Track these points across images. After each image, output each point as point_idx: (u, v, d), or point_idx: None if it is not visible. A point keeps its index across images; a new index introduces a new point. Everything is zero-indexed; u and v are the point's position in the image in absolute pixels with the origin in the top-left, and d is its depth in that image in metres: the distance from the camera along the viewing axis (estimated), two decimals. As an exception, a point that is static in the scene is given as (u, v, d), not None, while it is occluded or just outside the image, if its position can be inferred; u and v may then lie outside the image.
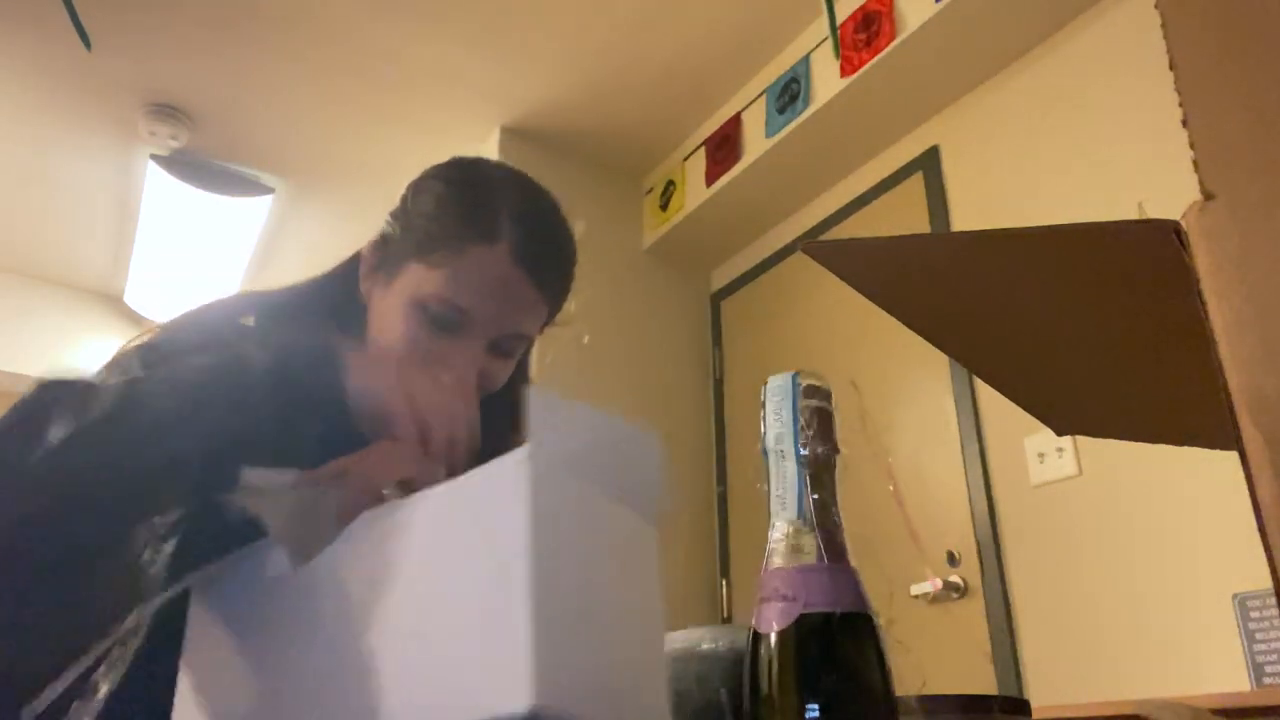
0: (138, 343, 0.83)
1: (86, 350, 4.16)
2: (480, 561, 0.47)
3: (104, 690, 0.77)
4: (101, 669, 0.77)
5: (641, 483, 0.52)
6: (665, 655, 0.51)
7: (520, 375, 0.99)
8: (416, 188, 0.91)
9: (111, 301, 4.25)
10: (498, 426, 0.83)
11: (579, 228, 0.93)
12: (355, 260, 0.94)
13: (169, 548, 0.80)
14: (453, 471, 0.65)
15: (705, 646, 0.87)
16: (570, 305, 0.95)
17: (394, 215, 0.91)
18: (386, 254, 0.89)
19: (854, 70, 2.53)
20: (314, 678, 0.55)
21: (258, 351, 0.82)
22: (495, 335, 0.86)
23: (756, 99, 2.93)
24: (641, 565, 0.50)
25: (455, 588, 0.48)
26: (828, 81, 2.64)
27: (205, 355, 0.80)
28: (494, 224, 0.85)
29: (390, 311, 0.86)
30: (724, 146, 3.02)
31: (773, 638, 0.45)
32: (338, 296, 0.93)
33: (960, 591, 2.27)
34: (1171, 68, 0.40)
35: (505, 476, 0.47)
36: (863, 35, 2.51)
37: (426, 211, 0.88)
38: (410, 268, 0.85)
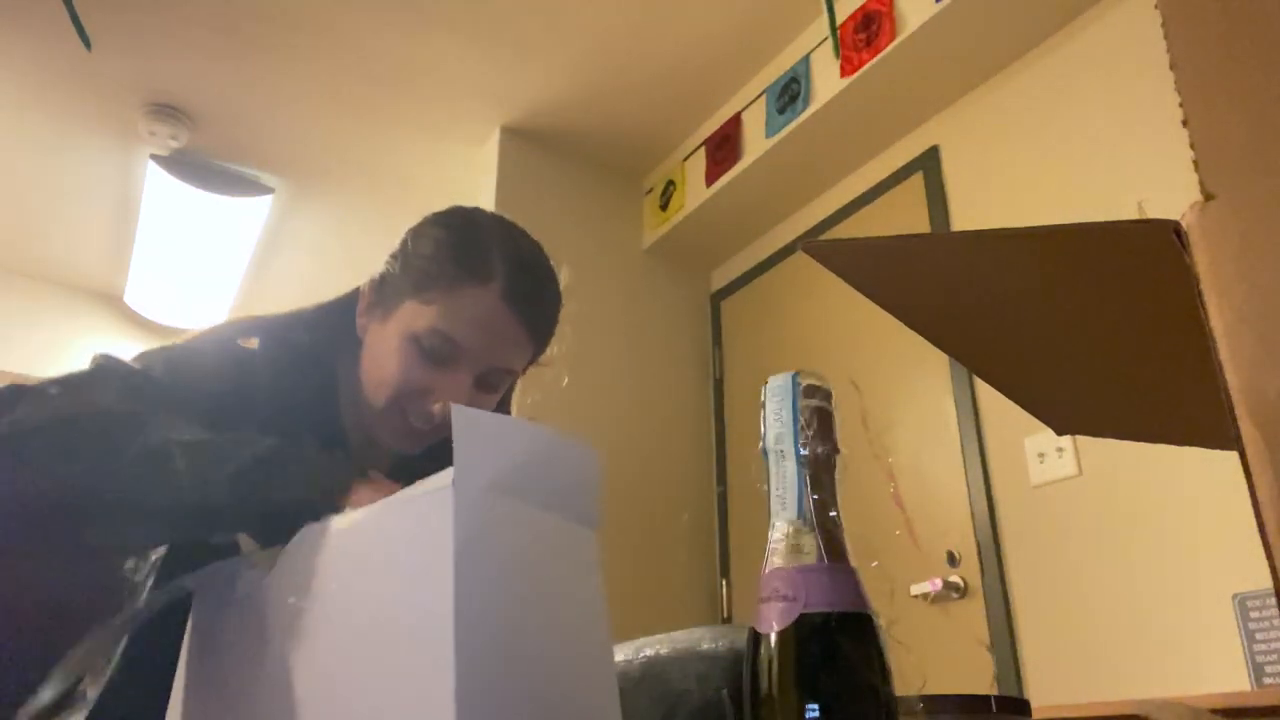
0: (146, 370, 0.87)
1: (86, 350, 4.16)
2: (406, 595, 0.46)
3: (92, 695, 0.78)
4: (88, 676, 0.78)
5: (578, 493, 0.52)
6: (612, 659, 0.51)
7: (504, 408, 1.04)
8: (416, 232, 0.97)
9: (111, 301, 4.25)
10: None
11: (564, 276, 0.99)
12: (354, 294, 0.99)
13: (154, 557, 0.81)
14: None
15: (705, 646, 0.87)
16: (553, 348, 1.01)
17: (393, 256, 0.96)
18: (384, 292, 0.95)
19: (854, 70, 2.53)
20: (263, 701, 0.55)
21: (262, 381, 0.86)
22: (482, 369, 0.92)
23: (756, 99, 2.93)
24: (582, 575, 0.50)
25: (384, 622, 0.48)
26: (828, 81, 2.64)
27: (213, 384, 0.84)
28: (487, 265, 0.92)
29: (385, 345, 0.92)
30: (724, 146, 3.02)
31: (773, 638, 0.45)
32: (337, 326, 0.99)
33: (960, 591, 2.27)
34: (1171, 68, 0.40)
35: (429, 504, 0.46)
36: (863, 35, 2.51)
37: (424, 253, 0.94)
38: (406, 305, 0.92)
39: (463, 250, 0.93)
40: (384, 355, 0.92)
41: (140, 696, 0.72)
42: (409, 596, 0.46)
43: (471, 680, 0.41)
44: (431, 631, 0.42)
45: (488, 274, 0.91)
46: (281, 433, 0.86)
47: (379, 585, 0.49)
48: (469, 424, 0.47)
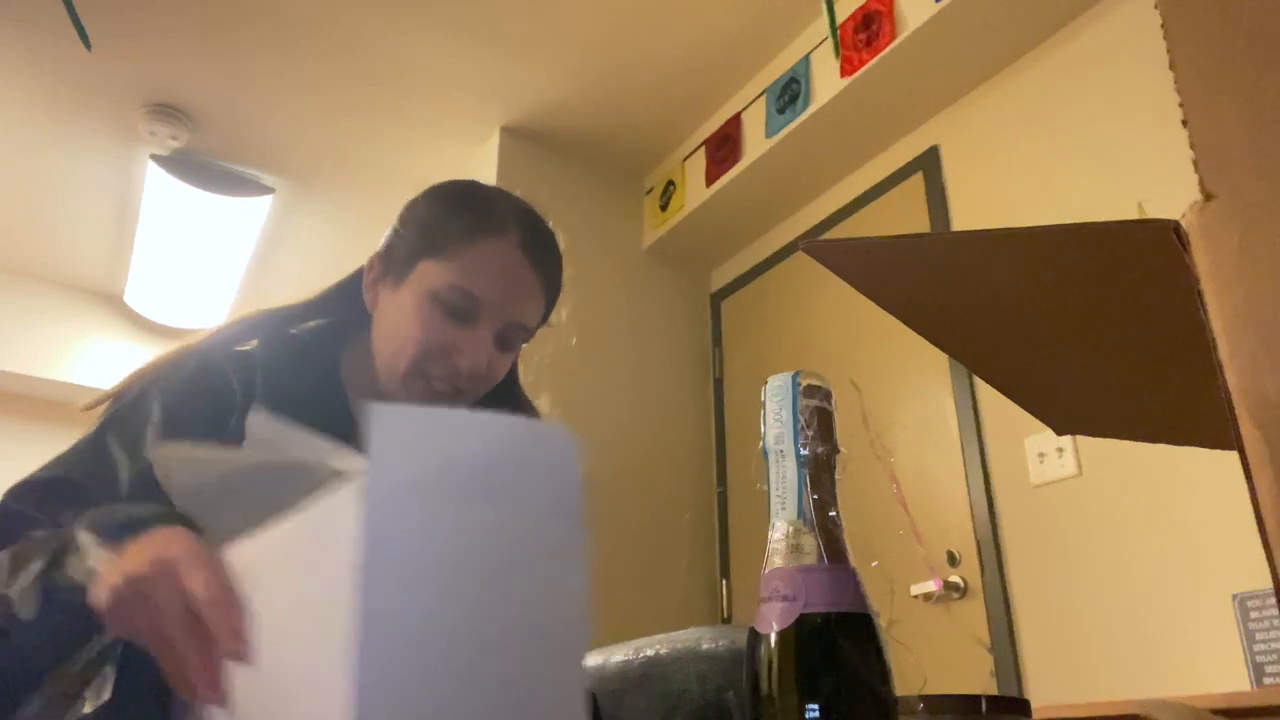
0: (114, 405, 0.87)
1: (86, 350, 4.17)
2: (312, 607, 0.44)
3: (90, 706, 0.77)
4: (87, 689, 0.78)
5: (548, 484, 0.46)
6: (585, 672, 0.48)
7: (514, 373, 1.03)
8: (425, 196, 0.97)
9: (111, 301, 4.25)
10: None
11: (561, 241, 1.00)
12: (356, 275, 0.99)
13: None
14: None
15: (705, 646, 0.88)
16: (559, 311, 1.02)
17: (400, 224, 0.96)
18: (392, 260, 0.94)
19: (854, 70, 2.53)
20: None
21: (257, 382, 0.87)
22: (502, 324, 0.92)
23: (756, 99, 2.93)
24: (548, 577, 0.45)
25: (291, 634, 0.45)
26: (828, 81, 2.64)
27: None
28: (502, 219, 0.93)
29: (403, 307, 0.91)
30: (724, 146, 3.02)
31: (773, 638, 0.45)
32: (339, 311, 0.98)
33: (960, 591, 2.27)
34: (1171, 68, 0.40)
35: (336, 511, 0.43)
36: (863, 35, 2.51)
37: (437, 213, 0.94)
38: (421, 265, 0.91)
39: (475, 205, 0.94)
40: (401, 319, 0.91)
41: (140, 702, 0.72)
42: (318, 601, 0.43)
43: (374, 687, 0.38)
44: (335, 637, 0.39)
45: (503, 226, 0.92)
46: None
47: (292, 594, 0.47)
48: (387, 421, 0.43)
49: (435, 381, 0.90)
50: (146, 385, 0.87)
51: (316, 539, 0.46)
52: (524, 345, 1.03)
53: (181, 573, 0.51)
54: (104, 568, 0.58)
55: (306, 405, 0.90)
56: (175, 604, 0.51)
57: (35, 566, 0.67)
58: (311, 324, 0.97)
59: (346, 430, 0.93)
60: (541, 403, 1.10)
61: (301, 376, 0.92)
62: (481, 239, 0.91)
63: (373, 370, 0.94)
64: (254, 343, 0.93)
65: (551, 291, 0.97)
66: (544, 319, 0.99)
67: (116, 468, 0.81)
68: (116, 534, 0.62)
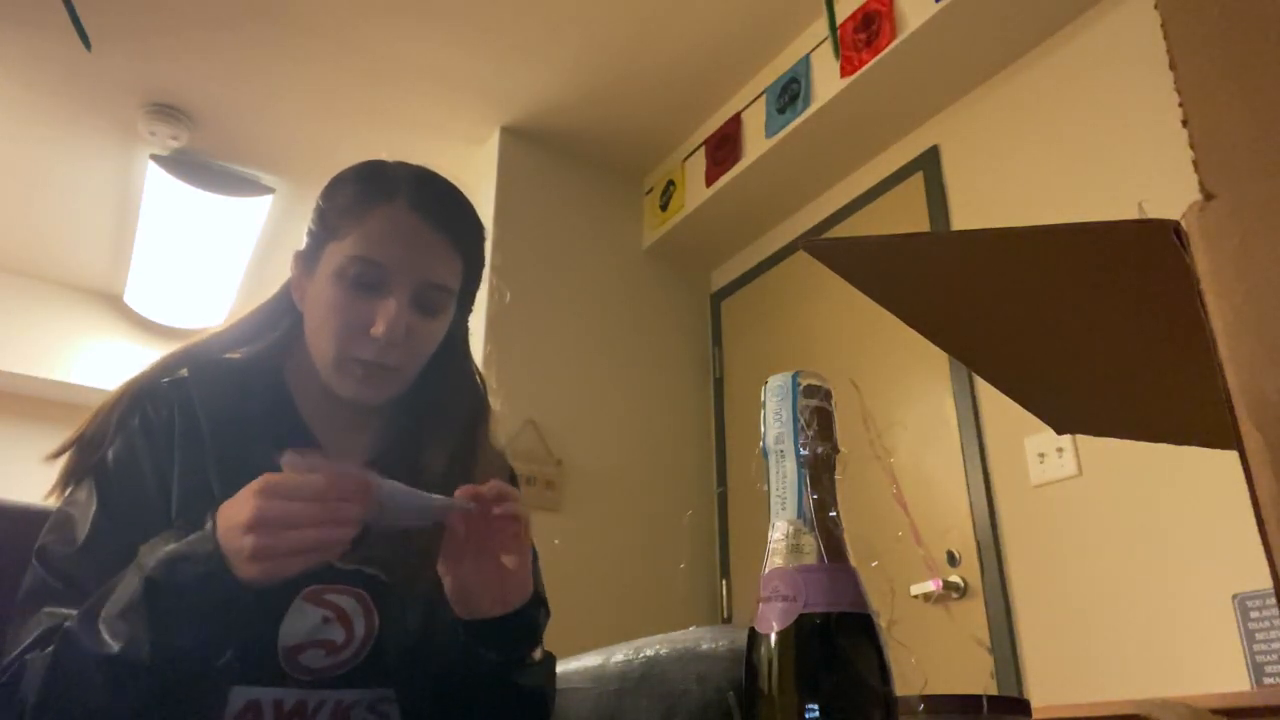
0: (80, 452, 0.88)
1: (86, 350, 4.17)
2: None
3: None
4: None
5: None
6: None
7: (460, 346, 1.02)
8: (326, 191, 0.98)
9: (111, 301, 4.24)
10: (445, 395, 0.96)
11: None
12: (286, 286, 1.01)
13: None
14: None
15: (705, 646, 0.88)
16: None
17: (311, 223, 0.97)
18: (307, 256, 0.96)
19: (854, 70, 2.53)
20: None
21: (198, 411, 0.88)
22: (414, 286, 0.91)
23: (756, 99, 2.93)
24: None
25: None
26: (828, 81, 2.64)
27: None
28: (390, 184, 0.92)
29: (319, 295, 0.92)
30: (724, 146, 3.02)
31: (773, 638, 0.45)
32: (276, 325, 1.00)
33: (960, 591, 2.27)
34: (1171, 68, 0.40)
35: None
36: (863, 35, 2.51)
37: (333, 199, 0.95)
38: (328, 250, 0.92)
39: (364, 179, 0.95)
40: (318, 306, 0.92)
41: None
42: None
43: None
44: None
45: (392, 191, 0.92)
46: (237, 454, 0.85)
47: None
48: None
49: (360, 353, 0.89)
50: (109, 430, 0.88)
51: None
52: (468, 314, 1.02)
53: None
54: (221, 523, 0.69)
55: (256, 425, 0.90)
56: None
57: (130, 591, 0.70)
58: (247, 344, 0.98)
59: (304, 442, 0.93)
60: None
61: (245, 399, 0.91)
62: (373, 207, 0.91)
63: (316, 372, 0.93)
64: (185, 371, 0.92)
65: (465, 248, 0.95)
66: (469, 278, 0.97)
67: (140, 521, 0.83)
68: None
